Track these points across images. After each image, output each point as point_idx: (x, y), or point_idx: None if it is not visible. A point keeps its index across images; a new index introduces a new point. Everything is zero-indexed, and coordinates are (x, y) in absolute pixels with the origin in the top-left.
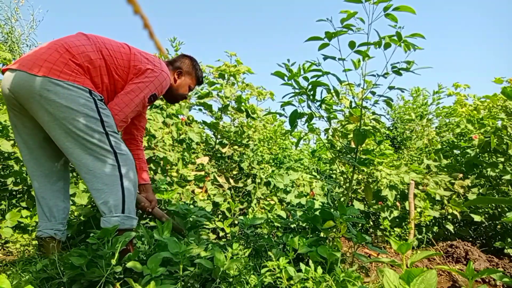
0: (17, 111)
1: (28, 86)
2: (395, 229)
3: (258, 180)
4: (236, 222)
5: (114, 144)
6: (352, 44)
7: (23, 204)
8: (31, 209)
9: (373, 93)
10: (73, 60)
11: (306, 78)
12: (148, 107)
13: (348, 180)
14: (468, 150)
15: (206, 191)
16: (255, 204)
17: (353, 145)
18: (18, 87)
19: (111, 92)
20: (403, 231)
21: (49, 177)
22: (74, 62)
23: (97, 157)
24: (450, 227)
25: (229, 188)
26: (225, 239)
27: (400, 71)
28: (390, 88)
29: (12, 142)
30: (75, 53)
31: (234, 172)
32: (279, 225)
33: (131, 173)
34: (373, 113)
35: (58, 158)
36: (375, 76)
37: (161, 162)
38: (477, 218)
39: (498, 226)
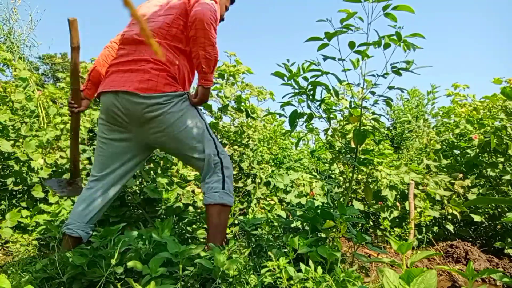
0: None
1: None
2: (395, 229)
3: (258, 180)
4: (236, 222)
5: (218, 144)
6: (352, 45)
7: (23, 204)
8: (31, 209)
9: (373, 93)
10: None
11: (305, 78)
12: None
13: (347, 180)
14: (468, 150)
15: None
16: (255, 204)
17: (352, 145)
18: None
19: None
20: (403, 231)
21: (114, 185)
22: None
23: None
24: (450, 227)
25: None
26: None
27: (400, 71)
28: (390, 88)
29: (12, 142)
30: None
31: (234, 172)
32: (279, 225)
33: (230, 169)
34: (373, 113)
35: (130, 173)
36: (374, 76)
37: (161, 162)
38: (477, 218)
39: (498, 226)
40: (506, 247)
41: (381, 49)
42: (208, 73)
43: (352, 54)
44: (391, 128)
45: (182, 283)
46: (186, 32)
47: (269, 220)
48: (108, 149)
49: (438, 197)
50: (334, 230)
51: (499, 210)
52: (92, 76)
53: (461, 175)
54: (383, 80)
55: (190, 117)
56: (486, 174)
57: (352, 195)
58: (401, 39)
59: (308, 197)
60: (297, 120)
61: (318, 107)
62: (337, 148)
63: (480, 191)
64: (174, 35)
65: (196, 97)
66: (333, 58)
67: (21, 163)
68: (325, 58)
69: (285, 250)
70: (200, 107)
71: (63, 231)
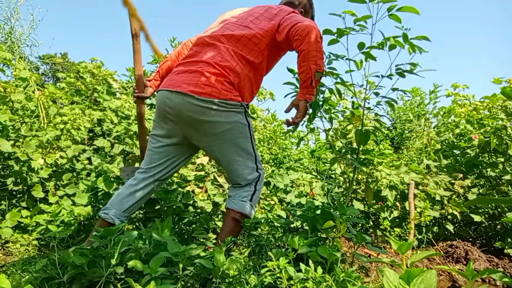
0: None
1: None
2: (395, 229)
3: None
4: None
5: (258, 159)
6: (361, 45)
7: (23, 204)
8: (31, 209)
9: (377, 94)
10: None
11: None
12: None
13: (348, 180)
14: (468, 150)
15: (206, 191)
16: None
17: (354, 146)
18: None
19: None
20: (403, 231)
21: (156, 180)
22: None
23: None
24: (450, 227)
25: None
26: None
27: (404, 73)
28: (394, 89)
29: (12, 142)
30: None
31: None
32: (279, 225)
33: (262, 183)
34: (376, 114)
35: (173, 170)
36: (379, 77)
37: None
38: (477, 218)
39: (498, 226)
40: (506, 247)
41: (386, 50)
42: (314, 88)
43: (357, 54)
44: (391, 128)
45: (182, 283)
46: (263, 46)
47: (269, 220)
48: (156, 145)
49: (438, 197)
50: (334, 230)
51: (499, 210)
52: (161, 68)
53: (461, 175)
54: (385, 81)
55: (239, 130)
56: (486, 174)
57: (352, 195)
58: (407, 41)
59: (308, 197)
60: None
61: (320, 107)
62: (337, 148)
63: (480, 191)
64: (245, 45)
65: (299, 113)
66: (342, 57)
67: (21, 163)
68: (336, 56)
69: (285, 250)
70: (251, 121)
71: (99, 214)
